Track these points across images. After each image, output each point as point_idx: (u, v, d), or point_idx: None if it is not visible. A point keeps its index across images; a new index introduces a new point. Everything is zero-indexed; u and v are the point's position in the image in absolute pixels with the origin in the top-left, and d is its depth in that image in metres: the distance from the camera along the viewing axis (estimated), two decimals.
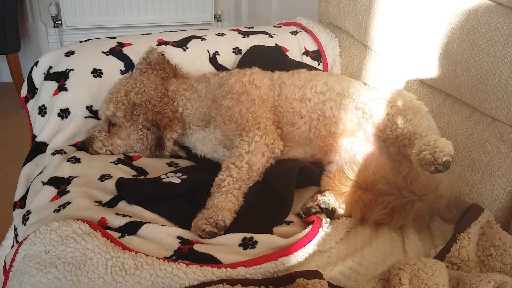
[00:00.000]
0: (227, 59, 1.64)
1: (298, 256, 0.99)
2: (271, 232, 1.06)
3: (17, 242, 1.15)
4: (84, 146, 1.36)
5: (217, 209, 1.06)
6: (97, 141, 1.36)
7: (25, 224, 1.09)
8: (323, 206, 1.14)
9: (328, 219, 1.11)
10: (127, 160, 1.34)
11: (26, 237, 0.96)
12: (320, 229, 1.06)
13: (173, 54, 1.55)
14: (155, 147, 1.33)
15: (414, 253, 1.07)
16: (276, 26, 1.86)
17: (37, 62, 1.52)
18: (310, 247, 1.01)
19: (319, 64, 1.75)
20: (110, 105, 1.35)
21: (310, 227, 1.07)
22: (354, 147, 1.27)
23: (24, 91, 1.53)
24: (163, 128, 1.31)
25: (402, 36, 1.43)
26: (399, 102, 1.24)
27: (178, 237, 1.01)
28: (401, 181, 1.12)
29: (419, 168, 1.04)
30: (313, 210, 1.13)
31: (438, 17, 1.30)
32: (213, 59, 1.62)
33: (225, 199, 1.09)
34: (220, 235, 1.04)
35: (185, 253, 0.96)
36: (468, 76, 1.22)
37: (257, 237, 1.02)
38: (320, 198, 1.16)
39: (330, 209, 1.14)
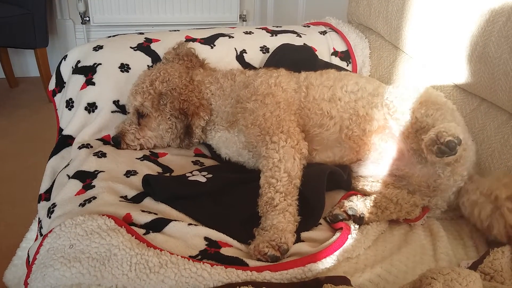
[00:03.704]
0: (255, 57, 1.62)
1: (326, 263, 0.96)
2: (299, 237, 1.04)
3: (41, 234, 1.15)
4: (116, 141, 1.36)
5: (278, 231, 0.99)
6: (129, 134, 1.35)
7: (50, 217, 1.09)
8: (350, 212, 1.11)
9: (357, 226, 1.08)
10: (152, 157, 1.33)
11: (51, 230, 0.96)
12: (349, 236, 1.03)
13: (201, 51, 1.54)
14: (185, 135, 1.32)
15: (445, 262, 1.03)
16: (304, 26, 1.84)
17: (66, 56, 1.53)
18: (339, 254, 0.98)
19: (348, 65, 1.71)
20: (137, 96, 1.34)
21: (338, 234, 1.04)
22: (382, 144, 1.24)
23: (52, 85, 1.54)
24: (191, 116, 1.30)
25: (436, 38, 1.39)
26: (423, 98, 1.21)
27: (205, 238, 0.99)
28: None
29: (426, 152, 1.05)
30: (340, 217, 1.10)
31: (474, 19, 1.26)
32: (240, 57, 1.61)
33: (285, 219, 1.03)
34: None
35: (210, 254, 0.94)
36: (506, 80, 1.17)
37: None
38: (346, 204, 1.13)
39: (358, 215, 1.11)
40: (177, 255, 0.90)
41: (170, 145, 1.38)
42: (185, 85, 1.33)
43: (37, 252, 0.93)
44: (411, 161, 1.20)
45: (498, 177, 1.12)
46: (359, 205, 1.13)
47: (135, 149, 1.36)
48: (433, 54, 1.43)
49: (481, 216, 1.09)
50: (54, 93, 1.53)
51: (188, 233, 0.98)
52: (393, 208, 1.15)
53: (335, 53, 1.72)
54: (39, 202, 1.29)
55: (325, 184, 1.14)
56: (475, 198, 1.11)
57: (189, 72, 1.40)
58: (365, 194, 1.22)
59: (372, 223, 1.12)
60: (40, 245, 0.94)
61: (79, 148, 1.31)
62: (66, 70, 1.51)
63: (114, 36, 1.61)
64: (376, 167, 1.26)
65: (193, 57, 1.47)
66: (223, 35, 1.65)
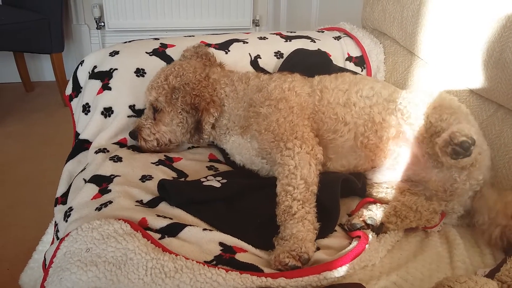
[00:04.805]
0: (269, 62, 1.62)
1: (342, 271, 0.95)
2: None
3: (57, 238, 1.16)
4: (133, 135, 1.38)
5: (298, 240, 0.98)
6: (145, 128, 1.36)
7: (66, 221, 1.10)
8: (369, 222, 1.10)
9: (375, 235, 1.07)
10: (167, 161, 1.34)
11: (68, 234, 0.97)
12: (367, 246, 1.02)
13: (215, 56, 1.55)
14: (195, 130, 1.32)
15: (462, 270, 1.02)
16: (318, 31, 1.84)
17: (83, 61, 1.55)
18: (355, 263, 0.97)
19: (362, 70, 1.71)
20: (152, 91, 1.35)
21: (355, 242, 1.03)
22: (397, 150, 1.23)
23: (68, 90, 1.56)
24: (201, 111, 1.30)
25: (452, 44, 1.38)
26: (437, 103, 1.20)
27: (220, 243, 0.99)
28: None
29: (440, 155, 1.06)
30: (358, 226, 1.09)
31: (491, 25, 1.24)
32: (254, 62, 1.61)
33: (304, 228, 1.02)
34: None
35: (225, 260, 0.94)
36: None
37: None
38: (366, 213, 1.12)
39: (377, 225, 1.10)
40: (193, 260, 0.91)
41: (182, 140, 1.39)
42: (198, 80, 1.33)
43: (54, 256, 0.94)
44: (427, 165, 1.19)
45: (502, 197, 1.12)
46: (378, 214, 1.12)
47: (153, 145, 1.37)
48: (449, 60, 1.42)
49: (492, 239, 1.10)
50: (70, 98, 1.55)
51: (203, 238, 0.99)
52: (413, 217, 1.13)
53: (349, 59, 1.71)
54: (55, 206, 1.30)
55: (339, 190, 1.13)
56: (483, 221, 1.12)
57: (205, 68, 1.41)
58: (380, 201, 1.21)
59: (390, 231, 1.11)
60: (57, 248, 0.95)
61: (96, 152, 1.32)
62: (82, 75, 1.53)
63: (129, 41, 1.63)
64: (392, 173, 1.25)
65: (212, 57, 1.48)
66: (237, 40, 1.65)
